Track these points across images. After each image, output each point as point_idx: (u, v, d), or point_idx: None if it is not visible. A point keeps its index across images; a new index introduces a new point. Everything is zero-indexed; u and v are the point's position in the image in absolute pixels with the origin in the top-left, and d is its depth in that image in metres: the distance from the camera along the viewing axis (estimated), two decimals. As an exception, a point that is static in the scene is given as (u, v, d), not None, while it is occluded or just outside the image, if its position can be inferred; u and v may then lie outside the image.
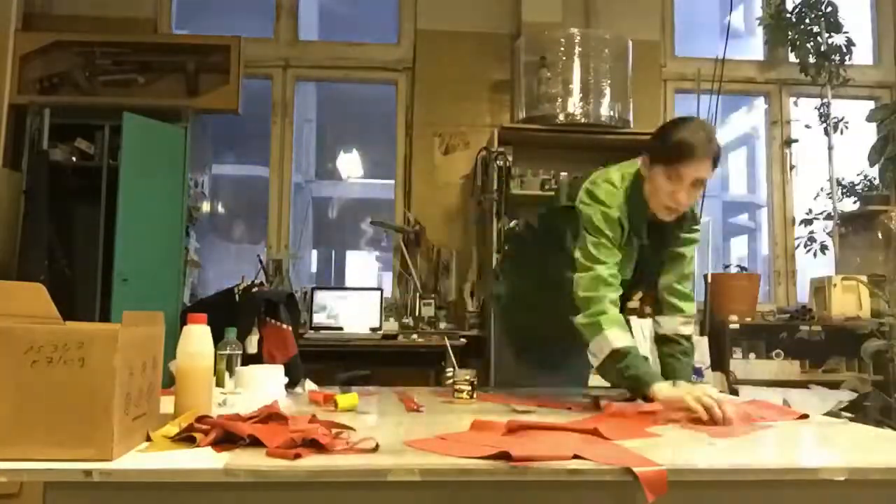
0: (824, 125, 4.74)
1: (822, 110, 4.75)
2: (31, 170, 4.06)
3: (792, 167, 4.93)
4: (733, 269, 4.91)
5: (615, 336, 1.86)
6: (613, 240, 1.94)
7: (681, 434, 1.44)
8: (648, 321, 4.26)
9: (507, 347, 2.39)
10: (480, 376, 2.05)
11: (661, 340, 2.28)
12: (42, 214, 3.99)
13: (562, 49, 4.32)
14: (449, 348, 2.23)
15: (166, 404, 1.35)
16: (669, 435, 1.43)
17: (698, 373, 4.02)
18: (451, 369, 2.10)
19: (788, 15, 4.68)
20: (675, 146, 1.86)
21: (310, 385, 2.08)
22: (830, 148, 4.72)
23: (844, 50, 4.66)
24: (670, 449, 1.31)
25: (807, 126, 4.88)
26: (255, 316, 2.34)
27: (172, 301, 3.98)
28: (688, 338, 2.23)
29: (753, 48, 4.96)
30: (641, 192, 1.98)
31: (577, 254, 1.95)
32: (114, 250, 3.85)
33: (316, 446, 1.14)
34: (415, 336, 4.14)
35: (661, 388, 1.73)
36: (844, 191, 4.78)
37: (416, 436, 1.32)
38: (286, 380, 1.86)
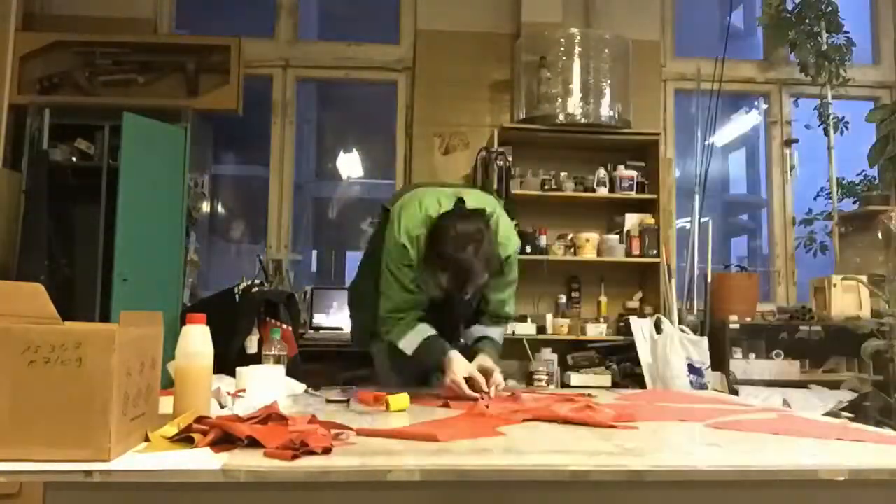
0: (824, 125, 4.73)
1: (821, 110, 4.75)
2: (31, 170, 4.07)
3: (792, 167, 4.93)
4: (733, 269, 4.91)
5: (406, 343, 2.07)
6: (403, 263, 2.03)
7: (681, 434, 1.44)
8: (648, 321, 4.26)
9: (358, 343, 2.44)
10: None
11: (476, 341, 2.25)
12: (42, 214, 3.99)
13: (562, 49, 4.32)
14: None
15: (165, 405, 1.35)
16: (670, 435, 1.43)
17: (698, 373, 4.02)
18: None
19: (788, 15, 4.68)
20: (439, 264, 1.92)
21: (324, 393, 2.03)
22: (830, 148, 4.72)
23: (844, 50, 4.66)
24: (671, 449, 1.31)
25: (807, 126, 4.88)
26: (255, 316, 2.34)
27: (172, 301, 3.97)
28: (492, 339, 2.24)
29: (753, 48, 4.96)
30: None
31: (384, 268, 2.09)
32: (114, 250, 3.85)
33: (315, 447, 1.14)
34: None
35: (453, 358, 2.00)
36: (844, 191, 4.78)
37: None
38: (288, 379, 1.86)
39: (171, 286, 4.04)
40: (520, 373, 4.38)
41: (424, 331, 2.09)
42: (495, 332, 2.24)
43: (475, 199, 2.12)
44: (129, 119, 3.94)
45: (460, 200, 2.04)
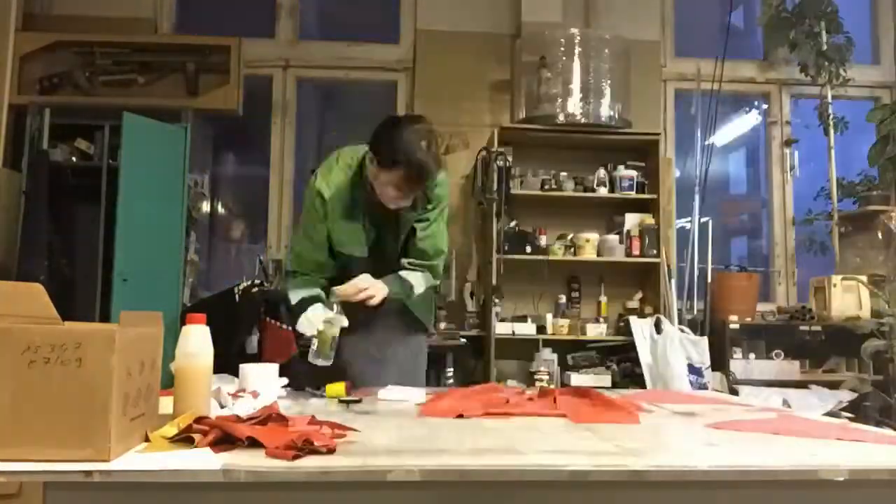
0: (824, 125, 4.73)
1: (821, 110, 4.75)
2: (31, 170, 4.07)
3: (792, 167, 4.93)
4: (733, 269, 4.91)
5: (295, 295, 2.12)
6: (314, 215, 2.10)
7: (681, 434, 1.44)
8: (648, 321, 4.27)
9: None
10: (479, 375, 2.06)
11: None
12: (42, 214, 3.99)
13: (562, 49, 4.32)
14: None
15: (165, 405, 1.35)
16: (670, 435, 1.43)
17: (698, 373, 4.02)
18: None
19: (788, 15, 4.68)
20: (393, 163, 1.94)
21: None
22: (830, 148, 4.71)
23: (844, 50, 4.65)
24: (671, 449, 1.31)
25: (807, 126, 4.88)
26: (255, 316, 2.34)
27: (172, 301, 3.97)
28: (410, 286, 2.22)
29: (753, 48, 4.95)
30: (366, 180, 2.07)
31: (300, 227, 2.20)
32: (114, 250, 3.85)
33: (315, 447, 1.14)
34: (415, 336, 4.12)
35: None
36: (844, 191, 4.78)
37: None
38: (284, 380, 1.86)
39: (171, 286, 4.03)
40: (522, 373, 4.38)
41: (315, 291, 2.13)
42: (411, 276, 2.20)
43: None
44: (129, 119, 3.94)
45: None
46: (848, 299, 4.33)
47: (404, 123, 1.99)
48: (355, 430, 1.32)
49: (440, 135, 2.03)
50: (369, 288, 2.04)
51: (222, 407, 1.52)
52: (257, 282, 4.00)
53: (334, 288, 2.06)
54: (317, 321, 1.99)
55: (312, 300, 2.10)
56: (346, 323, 2.01)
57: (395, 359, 2.27)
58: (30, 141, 4.12)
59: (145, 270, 3.91)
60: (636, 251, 4.40)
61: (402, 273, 2.19)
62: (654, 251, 4.36)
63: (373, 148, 2.00)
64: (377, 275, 2.13)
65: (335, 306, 2.01)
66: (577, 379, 4.14)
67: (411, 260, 2.21)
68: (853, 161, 4.94)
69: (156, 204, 4.03)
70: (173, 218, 4.08)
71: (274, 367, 1.85)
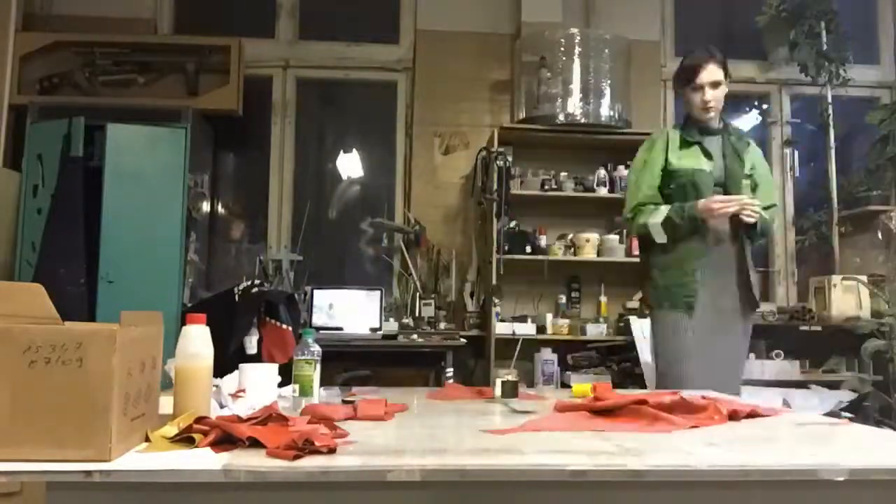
0: (824, 125, 4.73)
1: (822, 110, 4.75)
2: (65, 177, 3.93)
3: (792, 167, 4.93)
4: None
5: (653, 217, 2.63)
6: (644, 159, 2.70)
7: (681, 434, 1.44)
8: (648, 321, 4.28)
9: None
10: (479, 376, 2.07)
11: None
12: (77, 222, 3.86)
13: (562, 49, 4.32)
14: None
15: (165, 405, 1.35)
16: (670, 435, 1.43)
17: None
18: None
19: (788, 15, 4.67)
20: (685, 69, 2.64)
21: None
22: (830, 148, 4.71)
23: (844, 50, 4.65)
24: (671, 449, 1.31)
25: (807, 126, 4.87)
26: (254, 316, 2.34)
27: (172, 301, 3.97)
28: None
29: (753, 48, 4.95)
30: (689, 117, 2.70)
31: (634, 170, 2.78)
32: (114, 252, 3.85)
33: (315, 447, 1.14)
34: (415, 336, 4.14)
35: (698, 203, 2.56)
36: (844, 191, 4.77)
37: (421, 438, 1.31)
38: (279, 379, 1.86)
39: (171, 286, 4.03)
40: (522, 373, 4.38)
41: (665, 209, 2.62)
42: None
43: None
44: (113, 129, 3.97)
45: None
46: (848, 299, 4.33)
47: (688, 52, 2.72)
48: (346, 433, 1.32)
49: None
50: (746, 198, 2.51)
51: (222, 407, 1.52)
52: (257, 282, 3.99)
53: (712, 201, 2.51)
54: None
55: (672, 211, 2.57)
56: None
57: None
58: (63, 146, 4.00)
59: (145, 271, 3.91)
60: (636, 251, 4.39)
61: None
62: (654, 251, 4.35)
63: (676, 82, 2.73)
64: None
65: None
66: (576, 379, 4.13)
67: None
68: (853, 161, 4.94)
69: (156, 204, 4.03)
70: (173, 218, 4.08)
71: (274, 368, 1.85)
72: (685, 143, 2.64)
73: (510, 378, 1.99)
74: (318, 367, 1.79)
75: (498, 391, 1.99)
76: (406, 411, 1.71)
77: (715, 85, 2.59)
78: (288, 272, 4.44)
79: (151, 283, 3.92)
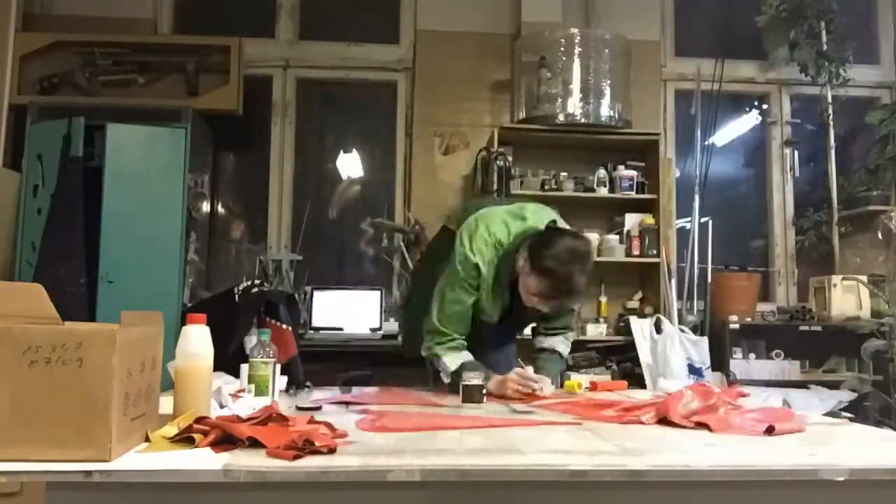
0: (824, 125, 4.73)
1: (821, 110, 4.75)
2: (65, 177, 3.91)
3: (792, 168, 4.93)
4: (733, 269, 4.90)
5: (450, 360, 2.17)
6: (468, 283, 2.16)
7: (681, 434, 1.44)
8: (648, 321, 4.26)
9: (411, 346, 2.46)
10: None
11: (539, 351, 2.44)
12: (76, 222, 3.85)
13: (562, 49, 4.32)
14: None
15: (165, 405, 1.35)
16: (670, 435, 1.43)
17: (698, 373, 4.02)
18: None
19: (788, 15, 4.67)
20: (545, 272, 2.00)
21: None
22: (830, 148, 4.71)
23: (844, 50, 4.65)
24: (670, 449, 1.31)
25: (807, 126, 4.87)
26: (254, 316, 2.33)
27: (172, 301, 3.97)
28: (560, 353, 2.44)
29: (753, 48, 4.95)
30: (511, 267, 2.11)
31: (439, 284, 2.22)
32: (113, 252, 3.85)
33: (315, 447, 1.14)
34: (415, 336, 4.13)
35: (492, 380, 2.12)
36: (844, 191, 4.77)
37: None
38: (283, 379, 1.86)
39: (171, 286, 4.03)
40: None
41: (467, 355, 2.20)
42: (562, 346, 2.41)
43: (533, 211, 2.25)
44: (113, 129, 3.96)
45: (552, 221, 2.19)
46: (848, 299, 4.33)
47: (567, 238, 2.05)
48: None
49: (590, 254, 2.10)
50: (540, 383, 2.09)
51: (222, 407, 1.52)
52: (257, 282, 3.99)
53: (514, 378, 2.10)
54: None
55: (468, 365, 2.13)
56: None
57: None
58: (63, 146, 3.99)
59: (145, 271, 3.90)
60: (636, 251, 4.40)
61: (557, 346, 2.39)
62: (654, 251, 4.36)
63: (531, 251, 2.04)
64: (500, 332, 2.36)
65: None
66: (576, 379, 4.13)
67: (553, 325, 2.40)
68: (853, 161, 4.94)
69: (156, 204, 4.03)
70: (173, 218, 4.08)
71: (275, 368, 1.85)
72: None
73: (475, 381, 1.91)
74: (277, 367, 1.81)
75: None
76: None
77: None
78: (288, 272, 4.43)
79: (151, 283, 3.91)
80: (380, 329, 4.19)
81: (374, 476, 1.07)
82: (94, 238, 3.91)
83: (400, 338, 3.02)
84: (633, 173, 4.42)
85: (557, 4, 4.71)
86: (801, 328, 4.31)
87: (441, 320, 2.19)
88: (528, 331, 2.63)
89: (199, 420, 1.25)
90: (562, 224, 2.23)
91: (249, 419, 1.33)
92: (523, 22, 4.68)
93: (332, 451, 1.15)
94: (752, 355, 4.38)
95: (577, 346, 4.38)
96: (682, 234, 4.72)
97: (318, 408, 1.76)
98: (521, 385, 2.06)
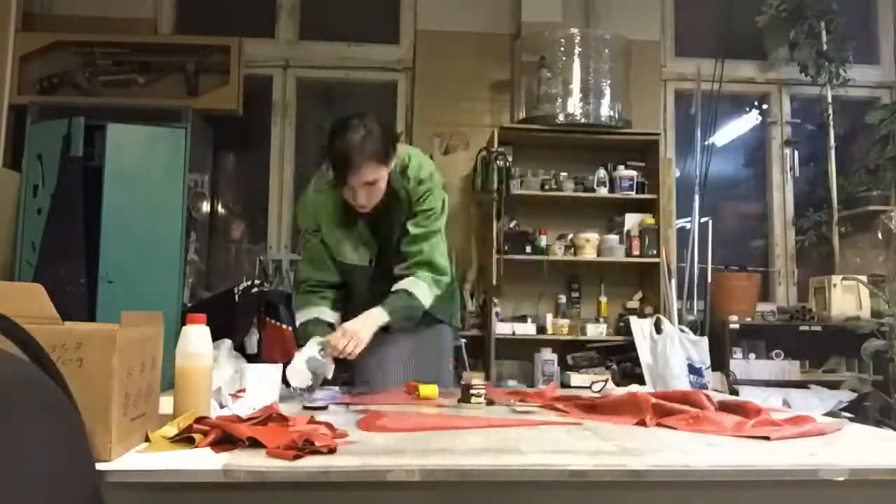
0: (824, 125, 4.73)
1: (821, 110, 4.75)
2: (65, 177, 3.92)
3: (792, 168, 4.93)
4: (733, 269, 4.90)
5: (300, 315, 2.17)
6: (310, 234, 2.14)
7: (681, 434, 1.44)
8: (648, 321, 4.27)
9: None
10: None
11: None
12: (76, 221, 3.86)
13: (562, 49, 4.32)
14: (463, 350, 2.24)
15: (165, 405, 1.35)
16: (670, 435, 1.43)
17: (698, 373, 4.02)
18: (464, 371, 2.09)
19: (788, 15, 4.67)
20: (335, 161, 1.94)
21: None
22: (830, 148, 4.71)
23: (844, 50, 4.65)
24: (671, 449, 1.31)
25: (807, 126, 4.87)
26: (254, 316, 2.34)
27: (172, 301, 3.97)
28: (407, 291, 2.11)
29: (753, 48, 4.95)
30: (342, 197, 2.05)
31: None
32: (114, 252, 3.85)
33: (315, 447, 1.14)
34: (415, 336, 4.12)
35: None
36: (844, 191, 4.77)
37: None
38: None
39: (171, 286, 4.03)
40: (522, 373, 4.38)
41: (317, 311, 2.15)
42: (413, 286, 2.09)
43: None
44: (114, 129, 3.96)
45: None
46: (848, 299, 4.33)
47: (339, 124, 1.96)
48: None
49: (389, 126, 2.03)
50: (352, 337, 1.97)
51: (222, 407, 1.52)
52: (257, 282, 4.00)
53: (327, 339, 2.00)
54: (304, 376, 1.93)
55: (313, 325, 2.10)
56: (330, 373, 1.99)
57: (406, 355, 2.25)
58: (63, 146, 3.99)
59: (145, 271, 3.91)
60: (636, 251, 4.40)
61: (407, 286, 2.09)
62: (654, 251, 4.36)
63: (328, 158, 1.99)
64: (382, 282, 2.11)
65: (322, 351, 1.96)
66: (577, 379, 4.14)
67: (408, 265, 2.11)
68: (854, 161, 4.93)
69: (156, 204, 4.03)
70: (173, 218, 4.08)
71: (274, 367, 1.85)
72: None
73: (473, 381, 1.89)
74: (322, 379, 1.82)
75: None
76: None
77: (370, 184, 1.97)
78: (288, 272, 4.43)
79: (151, 283, 3.92)
80: (380, 329, 4.17)
81: (374, 476, 1.07)
82: (94, 238, 3.91)
83: None
84: (633, 173, 4.42)
85: (557, 4, 4.71)
86: (801, 328, 4.31)
87: (304, 269, 2.21)
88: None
89: (199, 420, 1.25)
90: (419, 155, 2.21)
91: (249, 419, 1.33)
92: (523, 22, 4.68)
93: (332, 451, 1.15)
94: (752, 355, 4.39)
95: (578, 346, 4.39)
96: (682, 234, 4.72)
97: (325, 407, 1.76)
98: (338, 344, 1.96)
